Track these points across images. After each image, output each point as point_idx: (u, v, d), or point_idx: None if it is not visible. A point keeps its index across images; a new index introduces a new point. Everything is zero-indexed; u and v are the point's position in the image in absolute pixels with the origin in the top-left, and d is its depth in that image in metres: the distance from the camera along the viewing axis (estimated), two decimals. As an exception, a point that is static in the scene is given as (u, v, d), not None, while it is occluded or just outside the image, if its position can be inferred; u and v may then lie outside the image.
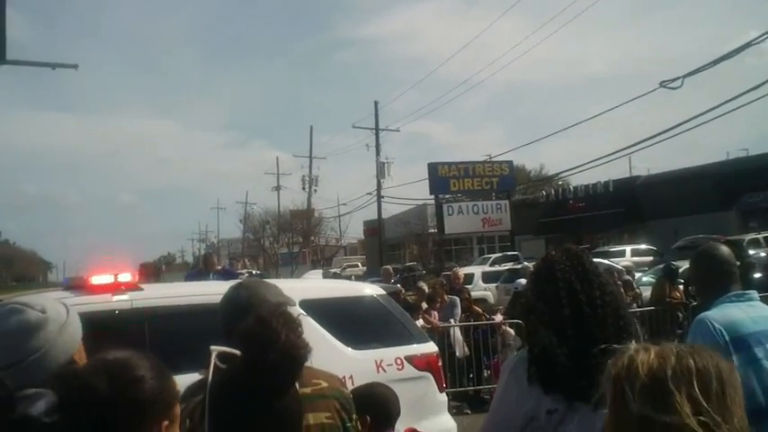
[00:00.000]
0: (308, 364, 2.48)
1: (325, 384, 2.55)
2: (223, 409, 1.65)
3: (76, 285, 6.05)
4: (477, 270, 31.68)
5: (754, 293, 3.63)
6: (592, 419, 2.75)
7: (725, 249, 3.90)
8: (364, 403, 3.87)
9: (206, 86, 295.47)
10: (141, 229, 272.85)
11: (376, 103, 51.49)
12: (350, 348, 6.31)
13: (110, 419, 1.79)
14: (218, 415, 1.65)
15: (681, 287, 14.69)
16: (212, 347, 1.71)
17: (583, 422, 2.74)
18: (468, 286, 18.61)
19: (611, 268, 18.51)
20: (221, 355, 1.70)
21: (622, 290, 13.82)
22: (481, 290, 25.72)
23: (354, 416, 2.60)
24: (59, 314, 2.42)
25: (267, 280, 3.09)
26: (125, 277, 5.98)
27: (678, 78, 22.25)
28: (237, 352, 1.71)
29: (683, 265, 17.13)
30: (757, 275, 15.58)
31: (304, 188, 66.38)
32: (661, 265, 19.17)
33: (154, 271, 27.02)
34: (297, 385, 1.83)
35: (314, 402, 2.45)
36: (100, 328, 5.08)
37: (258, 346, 1.67)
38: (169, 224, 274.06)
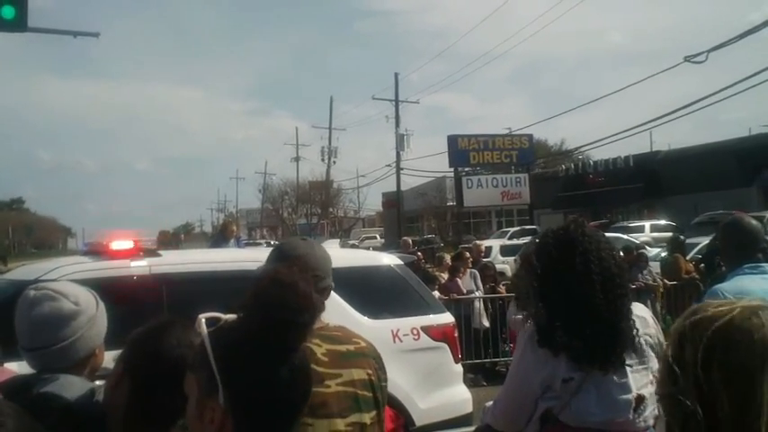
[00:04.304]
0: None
1: (364, 344, 2.62)
2: (238, 372, 1.63)
3: (96, 251, 6.07)
4: (495, 243, 31.66)
5: None
6: (608, 387, 2.76)
7: (754, 222, 3.90)
8: None
9: (227, 54, 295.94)
10: (160, 197, 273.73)
11: (396, 75, 51.25)
12: (366, 317, 6.31)
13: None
14: (234, 379, 1.63)
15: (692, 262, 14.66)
16: (201, 315, 1.69)
17: (600, 389, 2.75)
18: (487, 259, 18.62)
19: (629, 244, 18.42)
20: (210, 321, 1.68)
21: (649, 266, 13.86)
22: (499, 263, 25.66)
23: (386, 377, 2.64)
24: (90, 307, 2.51)
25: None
26: (144, 243, 6.00)
27: (703, 53, 21.94)
28: (224, 316, 1.69)
29: (702, 241, 17.08)
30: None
31: (323, 159, 66.27)
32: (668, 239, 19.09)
33: (173, 239, 27.14)
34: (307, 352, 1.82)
35: (357, 359, 2.52)
36: (118, 293, 5.14)
37: (270, 287, 1.66)
38: (188, 193, 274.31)
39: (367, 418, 2.48)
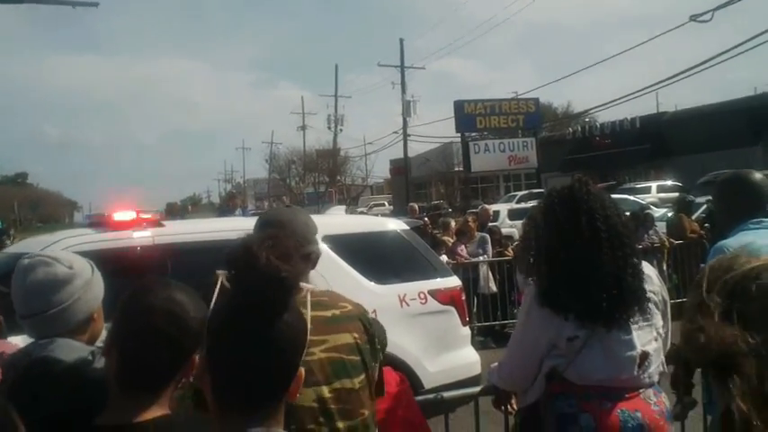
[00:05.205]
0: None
1: (350, 307, 2.59)
2: (218, 336, 1.62)
3: (98, 222, 6.06)
4: (503, 207, 31.57)
5: None
6: (612, 344, 2.74)
7: (759, 176, 3.73)
8: None
9: (232, 26, 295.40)
10: (167, 169, 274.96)
11: (401, 41, 50.73)
12: (373, 283, 6.31)
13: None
14: (214, 342, 1.62)
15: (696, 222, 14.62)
16: (218, 271, 1.67)
17: (604, 347, 2.74)
18: (495, 223, 18.57)
19: (635, 206, 18.34)
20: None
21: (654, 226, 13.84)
22: (507, 227, 25.64)
23: (378, 340, 2.61)
24: (85, 271, 2.49)
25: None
26: (147, 214, 5.98)
27: (708, 12, 21.72)
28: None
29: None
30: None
31: (330, 127, 65.80)
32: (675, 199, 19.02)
33: (180, 211, 27.20)
34: (302, 314, 1.80)
35: (341, 323, 2.50)
36: (122, 263, 5.13)
37: (236, 268, 1.64)
38: (195, 165, 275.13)
39: (356, 382, 2.45)
